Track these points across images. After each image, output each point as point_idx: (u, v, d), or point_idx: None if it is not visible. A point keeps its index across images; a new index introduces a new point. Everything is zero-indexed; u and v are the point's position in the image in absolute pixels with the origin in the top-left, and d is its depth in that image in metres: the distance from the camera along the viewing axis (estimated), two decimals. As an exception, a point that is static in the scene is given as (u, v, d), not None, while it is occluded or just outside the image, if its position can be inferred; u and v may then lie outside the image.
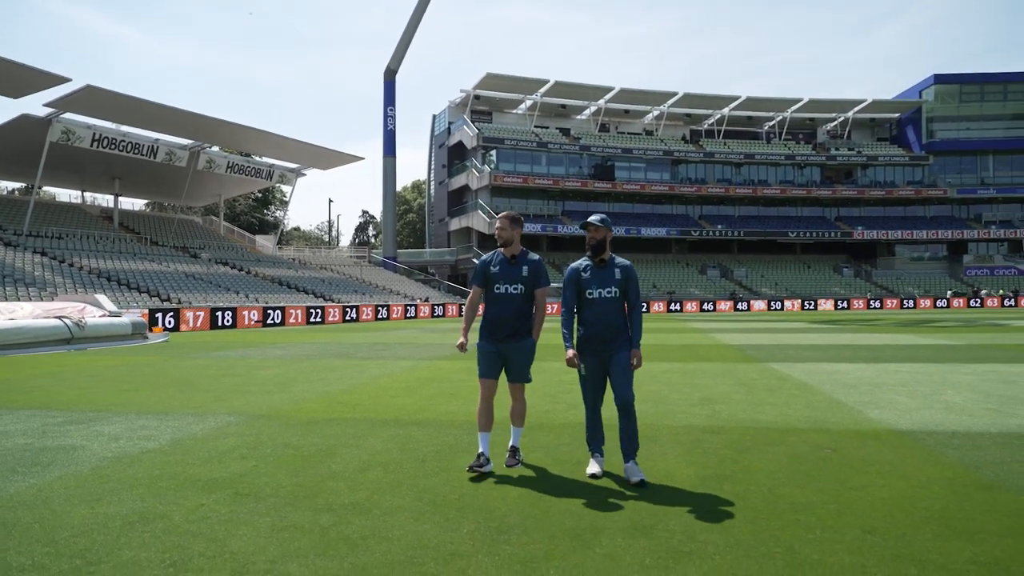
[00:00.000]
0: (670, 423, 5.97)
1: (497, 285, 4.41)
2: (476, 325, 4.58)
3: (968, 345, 14.75)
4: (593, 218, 4.32)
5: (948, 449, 4.93)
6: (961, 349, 13.78)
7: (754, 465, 4.53)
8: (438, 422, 6.11)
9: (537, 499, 3.81)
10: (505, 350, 4.39)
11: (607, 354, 4.26)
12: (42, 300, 23.52)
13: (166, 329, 23.82)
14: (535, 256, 4.50)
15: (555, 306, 45.00)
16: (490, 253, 4.54)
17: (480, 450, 4.36)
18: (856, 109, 65.58)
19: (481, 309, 4.60)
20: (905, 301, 52.03)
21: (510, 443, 4.54)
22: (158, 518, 3.49)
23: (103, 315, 17.14)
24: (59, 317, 15.48)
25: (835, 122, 67.82)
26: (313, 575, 2.75)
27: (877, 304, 51.25)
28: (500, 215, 4.49)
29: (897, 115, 67.89)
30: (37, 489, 4.03)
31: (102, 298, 18.57)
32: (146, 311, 23.10)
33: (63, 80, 31.34)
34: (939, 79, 64.86)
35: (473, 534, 3.24)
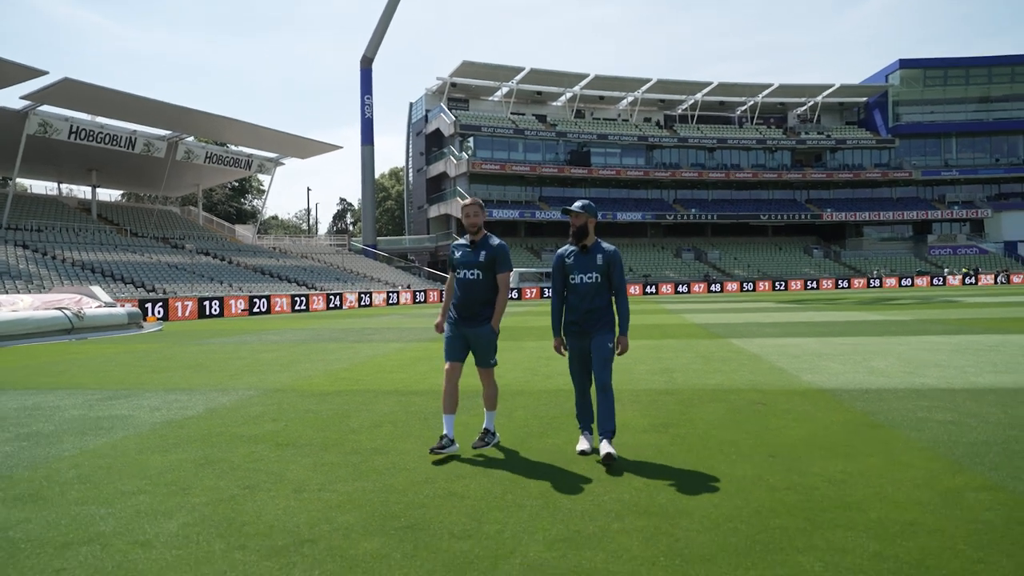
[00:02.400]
0: (632, 388, 6.97)
1: (459, 270, 4.45)
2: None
3: (915, 320, 16.00)
4: (575, 205, 4.34)
5: (857, 402, 6.00)
6: (907, 324, 15.00)
7: (696, 416, 5.56)
8: (434, 391, 7.05)
9: (521, 442, 4.79)
10: (467, 334, 4.44)
11: (589, 336, 4.34)
12: (30, 292, 23.98)
13: (157, 319, 24.41)
14: (497, 241, 4.48)
15: (534, 290, 45.97)
16: (461, 238, 4.60)
17: (444, 432, 4.42)
18: (825, 94, 67.13)
19: None
20: (872, 280, 53.91)
21: (484, 425, 4.62)
22: (221, 461, 4.41)
23: (99, 306, 17.79)
24: (59, 308, 16.14)
25: (805, 106, 69.32)
26: (355, 491, 3.70)
27: (845, 283, 53.05)
28: (468, 202, 4.47)
29: (865, 99, 69.60)
30: (111, 445, 4.93)
31: (97, 289, 19.18)
32: (136, 301, 23.68)
33: (40, 73, 31.43)
34: (904, 64, 66.58)
35: (472, 463, 4.21)
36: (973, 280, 53.63)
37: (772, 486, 3.64)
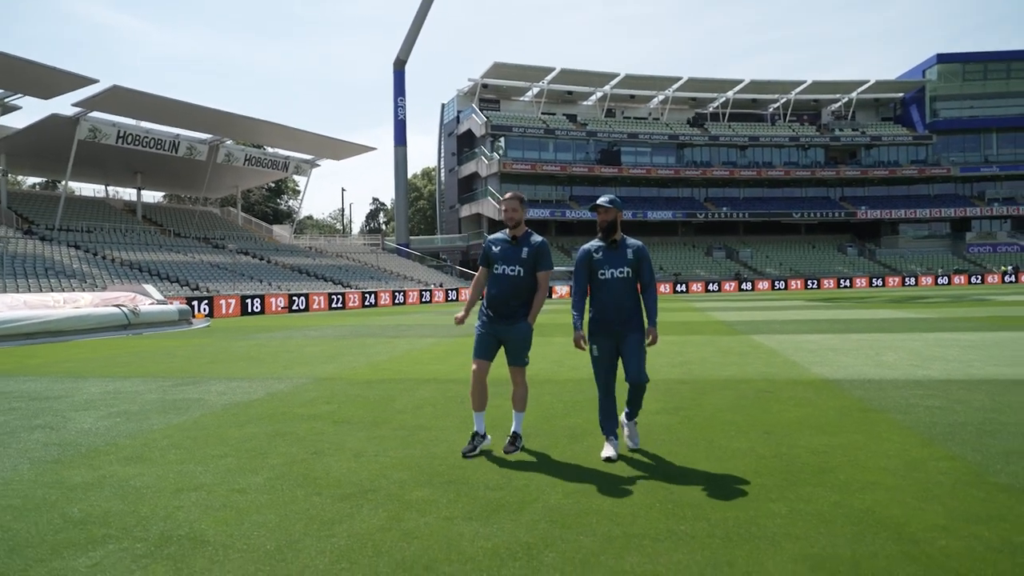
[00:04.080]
0: (650, 378, 7.54)
1: (497, 266, 4.38)
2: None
3: (939, 318, 16.23)
4: (602, 200, 4.27)
5: (856, 390, 6.52)
6: (930, 321, 15.26)
7: (706, 401, 6.14)
8: (469, 380, 7.72)
9: (546, 420, 5.43)
10: (501, 331, 4.38)
11: (620, 335, 4.27)
12: (84, 291, 25.33)
13: (204, 316, 25.59)
14: (539, 238, 4.43)
15: (564, 289, 46.53)
16: (497, 233, 4.51)
17: (475, 430, 4.48)
18: (860, 90, 66.37)
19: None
20: (907, 279, 53.30)
21: (512, 429, 4.55)
22: (289, 433, 5.14)
23: (152, 303, 18.89)
24: (117, 305, 17.24)
25: (839, 103, 68.64)
26: (405, 456, 4.39)
27: (880, 282, 52.57)
28: (509, 196, 4.41)
29: (901, 95, 68.60)
30: (192, 421, 5.70)
31: (150, 288, 20.32)
32: (183, 299, 24.87)
33: (91, 81, 32.96)
34: (942, 58, 65.49)
35: (503, 438, 4.87)
36: (1013, 278, 52.67)
37: (760, 455, 4.24)
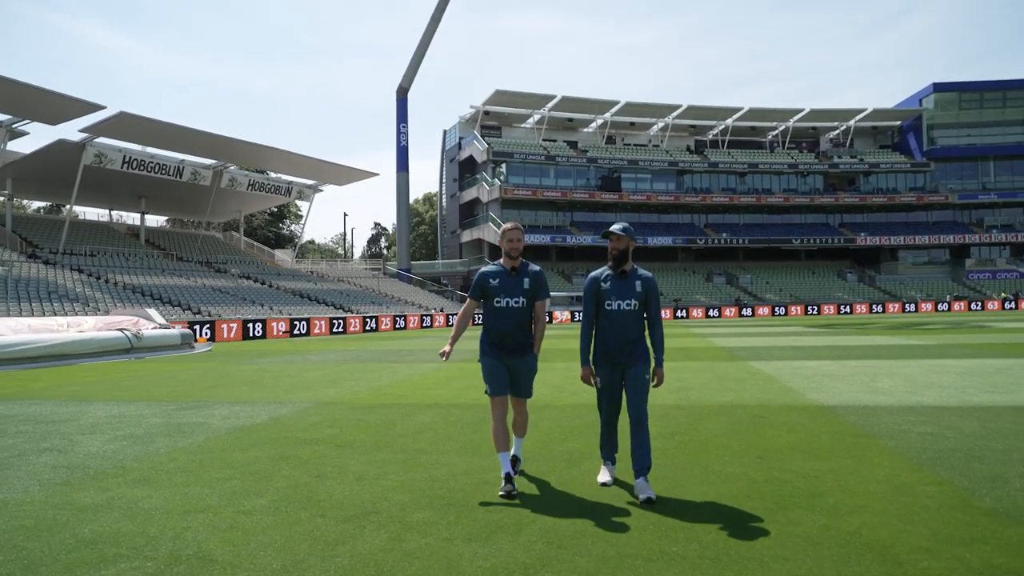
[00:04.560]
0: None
1: (498, 299, 4.27)
2: (472, 334, 5.03)
3: (936, 344, 16.33)
4: (615, 227, 4.14)
5: (850, 416, 6.62)
6: (927, 348, 15.36)
7: (702, 427, 6.24)
8: (470, 405, 7.84)
9: (544, 446, 5.54)
10: (509, 364, 4.32)
11: (625, 367, 4.17)
12: (87, 315, 25.47)
13: (206, 340, 25.68)
14: (536, 267, 4.37)
15: (565, 315, 46.60)
16: (490, 265, 4.40)
17: (506, 471, 4.16)
18: (858, 118, 67.09)
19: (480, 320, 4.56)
20: (907, 305, 53.42)
21: (511, 452, 4.48)
22: (292, 457, 5.24)
23: (155, 327, 19.02)
24: (120, 329, 17.37)
25: (837, 130, 69.35)
26: (406, 479, 4.50)
27: (879, 308, 52.68)
28: (511, 226, 4.30)
29: (898, 123, 69.35)
30: (198, 445, 5.80)
31: (152, 312, 20.48)
32: (185, 323, 25.00)
33: (98, 108, 33.47)
34: (938, 87, 66.30)
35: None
36: (1013, 305, 52.76)
37: (753, 479, 4.34)
